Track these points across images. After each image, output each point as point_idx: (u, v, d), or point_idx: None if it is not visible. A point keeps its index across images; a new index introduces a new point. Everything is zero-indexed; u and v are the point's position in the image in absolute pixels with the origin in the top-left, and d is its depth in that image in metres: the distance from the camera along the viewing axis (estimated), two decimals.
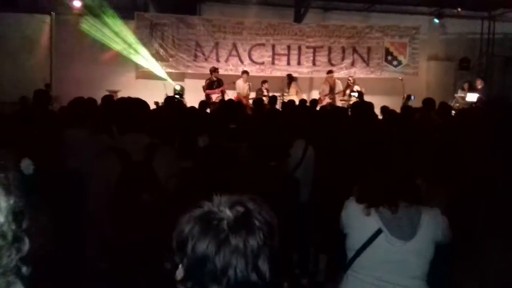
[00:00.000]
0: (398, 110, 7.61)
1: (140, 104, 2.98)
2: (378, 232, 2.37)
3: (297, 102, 9.42)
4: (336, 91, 11.98)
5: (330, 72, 12.46)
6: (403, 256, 2.37)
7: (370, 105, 5.40)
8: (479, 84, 12.06)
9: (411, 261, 2.38)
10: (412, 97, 11.22)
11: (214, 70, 11.97)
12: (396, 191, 2.39)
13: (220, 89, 11.56)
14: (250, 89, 11.91)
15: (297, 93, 12.03)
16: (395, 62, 13.94)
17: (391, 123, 5.60)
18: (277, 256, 1.19)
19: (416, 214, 2.38)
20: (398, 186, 2.40)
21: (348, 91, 11.89)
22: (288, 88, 12.00)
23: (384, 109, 7.89)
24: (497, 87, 14.33)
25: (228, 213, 1.17)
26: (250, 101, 10.79)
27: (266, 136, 2.84)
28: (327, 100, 11.59)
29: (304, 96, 12.27)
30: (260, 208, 1.22)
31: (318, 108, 9.20)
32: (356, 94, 11.20)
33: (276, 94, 11.46)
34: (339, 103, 11.41)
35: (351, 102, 10.78)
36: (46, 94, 5.52)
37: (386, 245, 2.36)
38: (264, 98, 10.73)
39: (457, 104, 11.56)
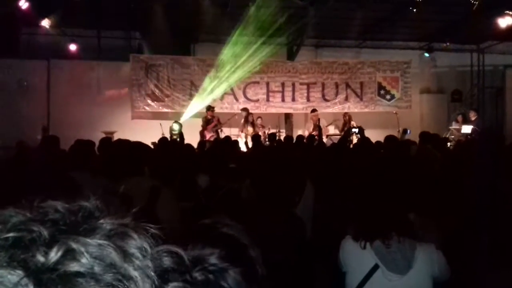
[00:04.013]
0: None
1: (141, 147, 2.99)
2: (375, 267, 2.38)
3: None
4: (322, 126, 11.92)
5: (314, 110, 12.56)
6: None
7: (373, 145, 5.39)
8: (473, 116, 12.22)
9: None
10: (408, 131, 11.29)
11: (208, 108, 12.10)
12: (389, 224, 2.42)
13: (210, 126, 11.65)
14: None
15: (258, 129, 11.85)
16: (388, 96, 14.11)
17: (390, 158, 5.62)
18: None
19: (410, 248, 2.39)
20: (390, 219, 2.43)
21: (346, 128, 11.92)
22: (245, 124, 11.94)
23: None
24: (490, 118, 14.50)
25: None
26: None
27: (275, 185, 2.81)
28: None
29: (300, 132, 12.36)
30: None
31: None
32: (357, 130, 11.23)
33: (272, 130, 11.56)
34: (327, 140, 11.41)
35: (352, 138, 10.81)
36: (55, 139, 5.59)
37: (383, 281, 2.37)
38: (261, 134, 10.81)
39: (453, 136, 11.67)
